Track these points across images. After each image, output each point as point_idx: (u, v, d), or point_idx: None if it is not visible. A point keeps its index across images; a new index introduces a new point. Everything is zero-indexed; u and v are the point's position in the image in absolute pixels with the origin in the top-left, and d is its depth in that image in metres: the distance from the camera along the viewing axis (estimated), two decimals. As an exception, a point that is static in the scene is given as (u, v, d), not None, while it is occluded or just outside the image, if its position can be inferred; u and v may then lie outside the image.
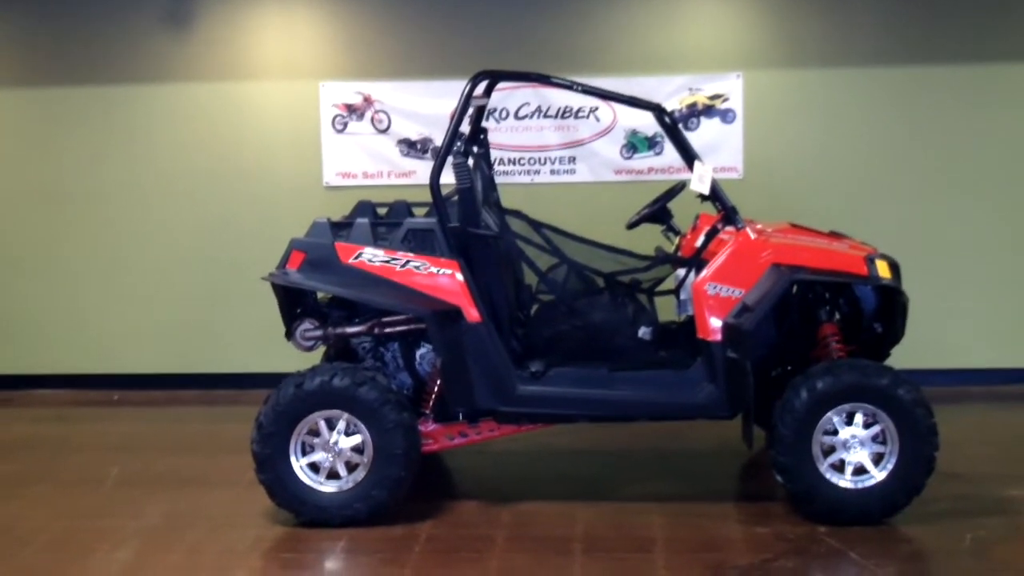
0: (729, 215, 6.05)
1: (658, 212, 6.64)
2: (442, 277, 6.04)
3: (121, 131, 9.06)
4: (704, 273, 5.99)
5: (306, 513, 5.95)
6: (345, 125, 8.89)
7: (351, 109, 8.87)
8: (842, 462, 5.81)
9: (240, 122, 8.99)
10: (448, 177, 6.02)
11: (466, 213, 6.09)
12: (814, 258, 5.97)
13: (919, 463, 5.74)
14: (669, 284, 6.51)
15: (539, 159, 8.86)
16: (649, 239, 6.85)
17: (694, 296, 6.01)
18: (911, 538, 5.72)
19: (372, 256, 6.07)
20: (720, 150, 8.74)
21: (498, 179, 8.56)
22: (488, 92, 6.91)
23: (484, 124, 7.00)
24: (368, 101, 8.86)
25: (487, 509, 6.22)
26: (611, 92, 6.29)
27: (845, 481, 5.80)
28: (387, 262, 6.06)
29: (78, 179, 9.12)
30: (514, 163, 8.86)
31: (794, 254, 5.96)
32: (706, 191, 5.97)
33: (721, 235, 6.15)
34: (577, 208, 8.62)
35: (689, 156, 6.06)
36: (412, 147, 8.82)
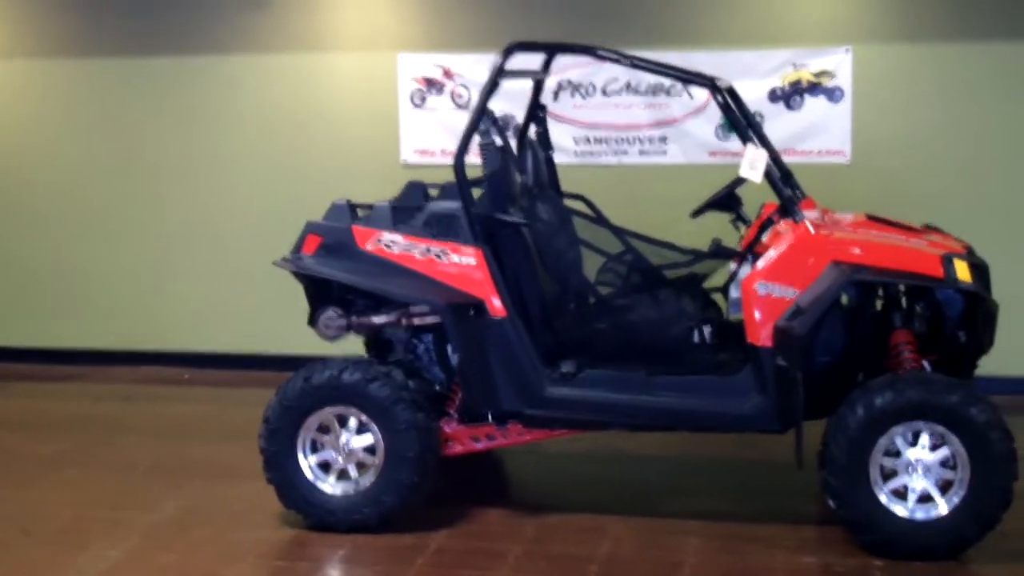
0: (786, 206, 5.40)
1: (724, 199, 6.03)
2: (464, 266, 5.53)
3: (196, 103, 8.80)
4: (754, 270, 5.35)
5: (313, 516, 5.54)
6: (424, 100, 8.45)
7: (430, 83, 8.42)
8: (905, 488, 5.11)
9: (316, 95, 8.62)
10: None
11: (494, 198, 5.58)
12: (881, 256, 5.24)
13: (993, 494, 5.00)
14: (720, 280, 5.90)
15: (627, 138, 8.25)
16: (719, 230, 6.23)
17: (743, 296, 5.38)
18: (980, 579, 5.01)
19: (390, 242, 5.61)
20: (826, 131, 8.00)
21: (583, 160, 8.21)
22: (546, 66, 6.44)
23: (543, 101, 6.52)
24: (448, 75, 8.39)
25: (511, 519, 5.71)
26: (663, 65, 5.65)
27: (907, 510, 5.10)
28: (406, 248, 5.59)
29: (154, 152, 8.90)
30: (601, 143, 8.28)
31: (858, 251, 5.26)
32: (758, 179, 5.34)
33: (778, 228, 5.50)
34: (668, 191, 7.97)
35: (744, 138, 5.44)
36: (493, 124, 8.27)
